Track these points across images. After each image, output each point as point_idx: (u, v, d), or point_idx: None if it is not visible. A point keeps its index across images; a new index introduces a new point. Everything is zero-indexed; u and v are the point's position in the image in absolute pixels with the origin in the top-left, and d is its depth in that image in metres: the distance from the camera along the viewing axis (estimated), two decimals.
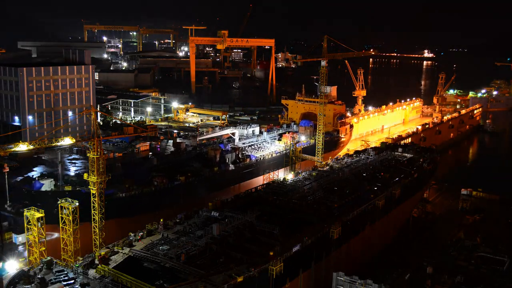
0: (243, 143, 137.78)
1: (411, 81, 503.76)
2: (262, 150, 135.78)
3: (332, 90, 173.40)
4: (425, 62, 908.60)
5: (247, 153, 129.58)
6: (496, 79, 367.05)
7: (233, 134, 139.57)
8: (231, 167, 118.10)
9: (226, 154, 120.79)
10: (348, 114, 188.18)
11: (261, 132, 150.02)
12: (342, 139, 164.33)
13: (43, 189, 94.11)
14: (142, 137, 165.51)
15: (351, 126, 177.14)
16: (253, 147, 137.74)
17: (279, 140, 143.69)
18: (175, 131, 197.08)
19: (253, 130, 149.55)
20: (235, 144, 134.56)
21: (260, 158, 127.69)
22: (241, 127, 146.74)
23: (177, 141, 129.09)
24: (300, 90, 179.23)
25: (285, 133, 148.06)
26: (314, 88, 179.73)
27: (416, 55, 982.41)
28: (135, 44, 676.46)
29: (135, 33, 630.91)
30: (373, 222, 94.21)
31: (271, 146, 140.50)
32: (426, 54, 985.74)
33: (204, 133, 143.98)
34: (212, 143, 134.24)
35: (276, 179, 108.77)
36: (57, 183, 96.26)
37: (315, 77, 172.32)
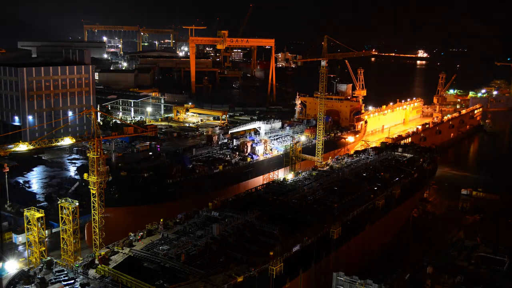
0: (269, 137, 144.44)
1: (411, 81, 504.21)
2: (286, 143, 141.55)
3: (348, 88, 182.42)
4: (418, 62, 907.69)
5: (273, 146, 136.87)
6: (496, 79, 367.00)
7: (259, 128, 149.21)
8: (261, 158, 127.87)
9: (256, 145, 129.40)
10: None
11: (284, 127, 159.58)
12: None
13: None
14: (142, 137, 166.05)
15: (366, 122, 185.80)
16: (278, 140, 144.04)
17: (302, 133, 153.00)
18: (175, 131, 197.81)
19: (282, 125, 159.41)
20: (261, 137, 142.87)
21: (286, 150, 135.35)
22: (265, 122, 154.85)
23: (210, 134, 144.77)
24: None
25: (307, 128, 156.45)
26: (331, 86, 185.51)
27: (411, 55, 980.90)
28: (145, 44, 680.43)
29: (147, 35, 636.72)
30: (373, 222, 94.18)
31: (295, 139, 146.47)
32: (420, 54, 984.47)
33: (231, 128, 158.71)
34: (241, 136, 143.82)
35: (276, 179, 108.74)
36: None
37: (332, 76, 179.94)
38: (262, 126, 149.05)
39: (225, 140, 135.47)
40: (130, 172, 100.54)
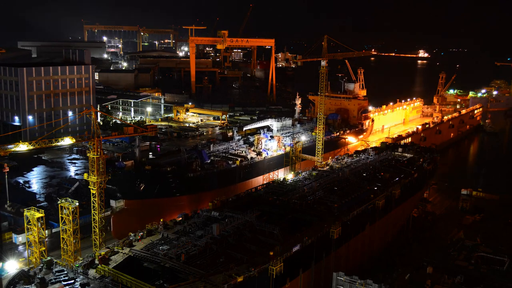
0: (281, 134, 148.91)
1: (411, 81, 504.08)
2: (298, 139, 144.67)
3: (356, 87, 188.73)
4: (419, 62, 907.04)
5: (286, 143, 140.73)
6: (496, 79, 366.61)
7: (271, 125, 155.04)
8: (275, 154, 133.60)
9: (269, 142, 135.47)
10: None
11: (294, 125, 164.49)
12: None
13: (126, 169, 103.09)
14: (142, 137, 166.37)
15: (373, 120, 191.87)
16: (290, 137, 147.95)
17: (312, 131, 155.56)
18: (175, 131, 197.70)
19: (293, 122, 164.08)
20: (274, 134, 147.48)
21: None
22: (276, 119, 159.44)
23: (225, 131, 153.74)
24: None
25: (316, 125, 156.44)
26: (339, 85, 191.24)
27: (412, 55, 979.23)
28: (145, 44, 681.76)
29: (147, 35, 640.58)
30: (373, 222, 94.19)
31: (304, 136, 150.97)
32: (421, 54, 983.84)
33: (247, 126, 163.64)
34: (254, 132, 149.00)
35: (276, 179, 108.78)
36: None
37: (339, 75, 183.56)
38: (274, 124, 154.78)
39: (239, 137, 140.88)
40: (154, 167, 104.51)
